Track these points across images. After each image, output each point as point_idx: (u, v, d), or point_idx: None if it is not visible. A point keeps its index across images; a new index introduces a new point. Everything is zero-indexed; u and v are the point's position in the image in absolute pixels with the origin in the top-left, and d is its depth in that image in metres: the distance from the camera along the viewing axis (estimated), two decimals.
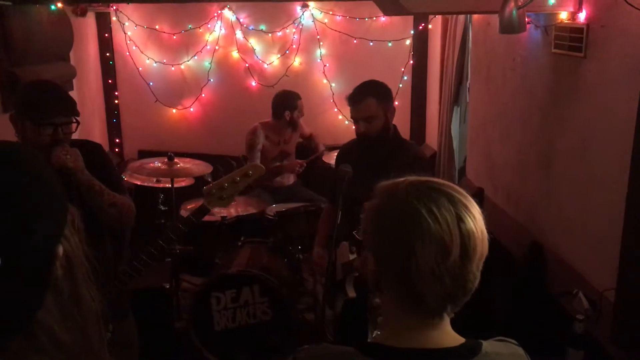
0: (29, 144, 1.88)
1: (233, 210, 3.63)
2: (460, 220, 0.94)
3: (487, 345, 1.01)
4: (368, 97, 2.58)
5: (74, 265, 0.76)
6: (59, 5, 3.56)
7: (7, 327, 0.68)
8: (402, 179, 1.02)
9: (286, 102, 4.21)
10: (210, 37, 4.80)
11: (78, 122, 2.02)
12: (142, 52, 4.87)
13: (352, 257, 2.53)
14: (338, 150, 3.09)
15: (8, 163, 0.73)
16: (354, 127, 2.71)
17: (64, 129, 1.96)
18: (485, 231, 0.97)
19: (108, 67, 4.87)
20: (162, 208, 3.96)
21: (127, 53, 4.87)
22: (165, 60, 4.88)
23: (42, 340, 0.71)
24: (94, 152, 2.20)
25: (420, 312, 0.97)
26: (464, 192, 1.00)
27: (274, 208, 3.80)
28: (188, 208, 3.68)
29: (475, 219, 0.96)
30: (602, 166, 2.07)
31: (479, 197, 3.01)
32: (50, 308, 0.72)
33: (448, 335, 1.00)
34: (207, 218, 3.55)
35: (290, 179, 4.38)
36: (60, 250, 0.74)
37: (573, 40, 2.22)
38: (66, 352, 0.72)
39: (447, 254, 0.92)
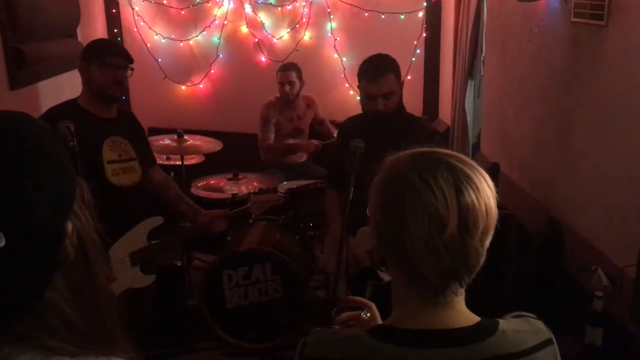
0: (95, 87, 2.32)
1: (244, 188, 3.60)
2: (459, 191, 0.88)
3: (504, 323, 0.96)
4: (389, 72, 2.47)
5: (85, 242, 0.72)
6: None
7: (15, 308, 0.65)
8: (405, 151, 0.97)
9: (276, 73, 4.16)
10: (218, 12, 4.72)
11: (132, 69, 2.43)
12: (150, 28, 4.80)
13: None
14: (340, 126, 2.96)
15: (7, 133, 0.68)
16: (362, 104, 2.59)
17: (123, 72, 2.37)
18: (492, 205, 0.91)
19: None
20: None
21: (135, 29, 4.81)
22: (173, 36, 4.82)
23: (53, 322, 0.67)
24: (138, 124, 2.62)
25: (423, 290, 0.92)
26: (472, 163, 0.93)
27: (285, 185, 3.77)
28: (199, 185, 3.65)
29: (479, 191, 0.89)
30: (624, 140, 2.00)
31: (494, 172, 2.94)
32: (60, 288, 0.69)
33: (462, 315, 0.95)
34: (217, 196, 3.59)
35: (302, 157, 4.33)
36: (70, 227, 0.70)
37: (594, 7, 2.13)
38: (78, 333, 0.69)
39: (442, 227, 0.86)
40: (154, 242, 2.37)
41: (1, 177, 0.64)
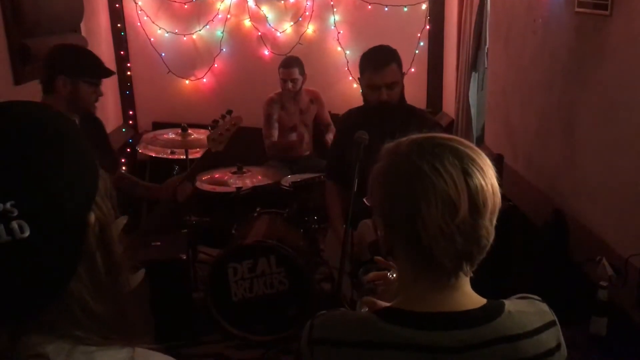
0: (79, 104, 2.20)
1: (248, 181, 3.61)
2: (466, 174, 0.90)
3: (510, 304, 0.98)
4: (392, 62, 2.48)
5: (107, 234, 0.72)
6: None
7: (40, 298, 0.65)
8: (405, 138, 0.98)
9: (278, 69, 4.14)
10: (221, 6, 4.71)
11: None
12: (153, 22, 4.80)
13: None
14: (341, 118, 2.94)
15: (29, 121, 0.68)
16: (364, 95, 2.58)
17: (100, 87, 2.27)
18: (496, 184, 0.93)
19: (119, 38, 4.81)
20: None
21: (139, 23, 4.81)
22: (176, 31, 4.81)
23: (76, 313, 0.68)
24: (100, 128, 2.53)
25: (436, 274, 0.93)
26: (472, 145, 0.95)
27: (289, 179, 3.77)
28: (203, 179, 3.66)
29: (484, 172, 0.92)
30: (629, 130, 1.99)
31: (499, 163, 2.91)
32: (83, 279, 0.68)
33: (468, 297, 0.97)
34: (222, 189, 3.60)
35: (306, 150, 4.33)
36: (92, 218, 0.70)
37: None
38: (101, 323, 0.69)
39: (455, 211, 0.88)
40: (127, 240, 2.30)
41: (23, 164, 0.64)
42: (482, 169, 0.92)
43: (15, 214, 0.62)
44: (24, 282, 0.64)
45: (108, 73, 2.32)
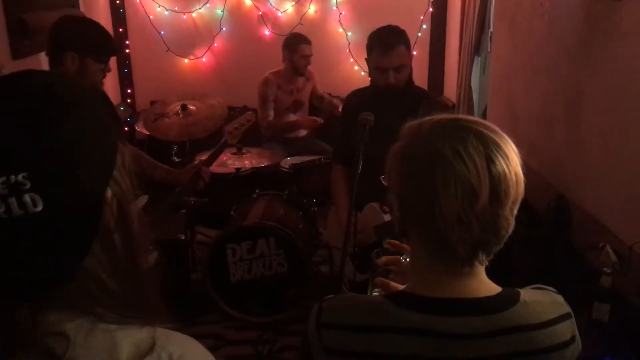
0: (87, 80, 2.10)
1: (247, 163, 3.58)
2: (490, 161, 0.86)
3: (525, 293, 0.95)
4: (400, 44, 2.41)
5: (125, 211, 0.69)
6: None
7: (54, 274, 0.63)
8: (428, 117, 0.94)
9: (286, 43, 4.09)
10: None
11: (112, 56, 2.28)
12: None
13: (386, 217, 2.37)
14: (345, 100, 2.91)
15: (47, 94, 0.64)
16: (371, 77, 2.54)
17: (108, 64, 2.22)
18: (520, 173, 0.89)
19: (118, 15, 4.74)
20: (176, 159, 3.91)
21: (138, 0, 4.74)
22: (176, 8, 4.75)
23: (93, 291, 0.66)
24: (107, 101, 2.46)
25: (450, 260, 0.90)
26: (498, 130, 0.91)
27: (288, 161, 3.75)
28: (202, 160, 3.62)
29: (509, 159, 0.88)
30: (635, 117, 1.97)
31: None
32: (99, 257, 0.66)
33: (484, 284, 0.94)
34: (221, 170, 3.57)
35: (303, 132, 4.30)
36: (109, 194, 0.67)
37: None
38: (119, 301, 0.68)
39: (475, 198, 0.84)
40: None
41: (37, 135, 0.61)
42: (506, 155, 0.88)
43: (28, 186, 0.59)
44: (37, 257, 0.62)
45: (114, 49, 2.29)
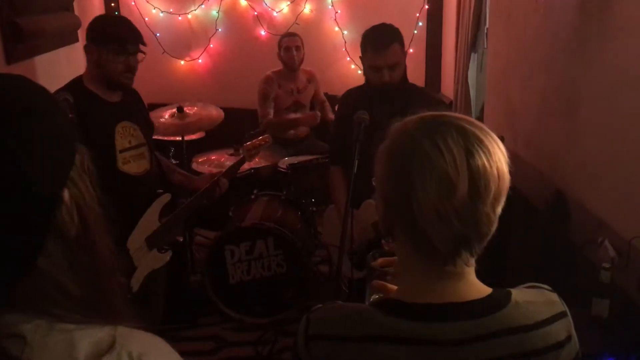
0: (103, 72, 2.15)
1: (245, 164, 3.56)
2: (469, 154, 0.84)
3: (517, 293, 0.93)
4: (394, 42, 2.42)
5: (84, 212, 0.70)
6: None
7: (4, 275, 0.63)
8: (414, 116, 0.93)
9: (278, 41, 4.12)
10: None
11: (144, 53, 2.25)
12: (147, 2, 4.71)
13: None
14: (340, 99, 2.90)
15: None
16: (366, 75, 2.54)
17: (135, 57, 2.19)
18: (504, 169, 0.87)
19: None
20: (173, 161, 3.90)
21: (133, 2, 4.72)
22: (171, 10, 4.73)
23: (50, 292, 0.66)
24: (143, 103, 2.52)
25: (432, 259, 0.88)
26: (483, 126, 0.89)
27: (286, 161, 3.74)
28: (199, 161, 3.62)
29: (490, 154, 0.85)
30: (633, 111, 1.96)
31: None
32: (56, 258, 0.67)
33: (473, 287, 0.91)
34: (219, 171, 3.54)
35: (304, 132, 4.29)
36: (67, 195, 0.67)
37: None
38: (79, 303, 0.68)
39: (452, 190, 0.82)
40: (165, 220, 2.32)
41: None
42: (488, 150, 0.86)
43: None
44: None
45: (132, 40, 2.19)
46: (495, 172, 0.85)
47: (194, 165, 3.59)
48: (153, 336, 0.73)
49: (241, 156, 2.73)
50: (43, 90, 0.71)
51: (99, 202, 0.73)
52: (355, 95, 2.67)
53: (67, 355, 0.64)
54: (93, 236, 0.71)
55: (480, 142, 0.86)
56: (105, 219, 0.74)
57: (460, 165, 0.83)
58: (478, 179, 0.84)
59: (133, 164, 2.23)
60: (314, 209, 3.50)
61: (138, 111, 2.38)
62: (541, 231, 2.47)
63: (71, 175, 0.68)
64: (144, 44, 2.26)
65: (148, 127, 2.43)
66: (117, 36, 2.16)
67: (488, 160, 0.85)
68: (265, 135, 2.82)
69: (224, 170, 2.64)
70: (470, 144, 0.85)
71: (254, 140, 2.75)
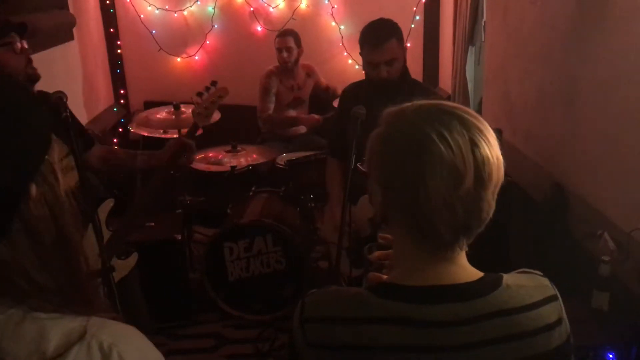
0: (4, 71, 1.85)
1: (243, 160, 3.55)
2: (474, 145, 0.87)
3: (509, 277, 0.95)
4: (391, 38, 2.41)
5: (53, 207, 0.70)
6: None
7: None
8: (409, 103, 0.94)
9: (274, 40, 4.10)
10: None
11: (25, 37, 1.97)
12: None
13: None
14: (341, 93, 2.89)
15: None
16: (365, 71, 2.53)
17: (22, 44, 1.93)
18: (500, 157, 0.90)
19: (109, 15, 4.71)
20: None
21: (128, 0, 4.70)
22: (167, 7, 4.71)
23: (20, 284, 0.67)
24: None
25: (432, 245, 0.90)
26: (478, 116, 0.92)
27: (284, 157, 3.72)
28: (197, 158, 3.60)
29: (490, 144, 0.89)
30: (630, 102, 1.95)
31: (497, 138, 2.90)
32: (25, 251, 0.67)
33: (465, 270, 0.94)
34: (216, 168, 3.54)
35: (302, 128, 4.28)
36: (34, 189, 0.68)
37: None
38: (51, 294, 0.69)
39: (460, 181, 0.85)
40: (114, 228, 2.09)
41: None
42: (488, 140, 0.89)
43: None
44: None
45: (8, 28, 1.92)
46: (495, 160, 0.89)
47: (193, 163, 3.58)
48: (127, 326, 0.73)
49: (193, 123, 2.32)
50: (14, 84, 0.73)
51: (74, 198, 0.74)
52: (355, 90, 2.68)
53: (37, 344, 0.65)
54: (62, 230, 0.71)
55: (481, 132, 0.89)
56: (81, 215, 0.75)
57: (467, 157, 0.86)
58: (482, 169, 0.87)
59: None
60: (313, 205, 3.49)
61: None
62: (540, 225, 2.46)
63: (41, 170, 0.69)
64: (24, 28, 2.01)
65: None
66: None
67: (490, 150, 0.88)
68: (221, 87, 2.39)
69: (181, 135, 2.43)
70: (473, 135, 0.88)
71: (205, 95, 2.33)
